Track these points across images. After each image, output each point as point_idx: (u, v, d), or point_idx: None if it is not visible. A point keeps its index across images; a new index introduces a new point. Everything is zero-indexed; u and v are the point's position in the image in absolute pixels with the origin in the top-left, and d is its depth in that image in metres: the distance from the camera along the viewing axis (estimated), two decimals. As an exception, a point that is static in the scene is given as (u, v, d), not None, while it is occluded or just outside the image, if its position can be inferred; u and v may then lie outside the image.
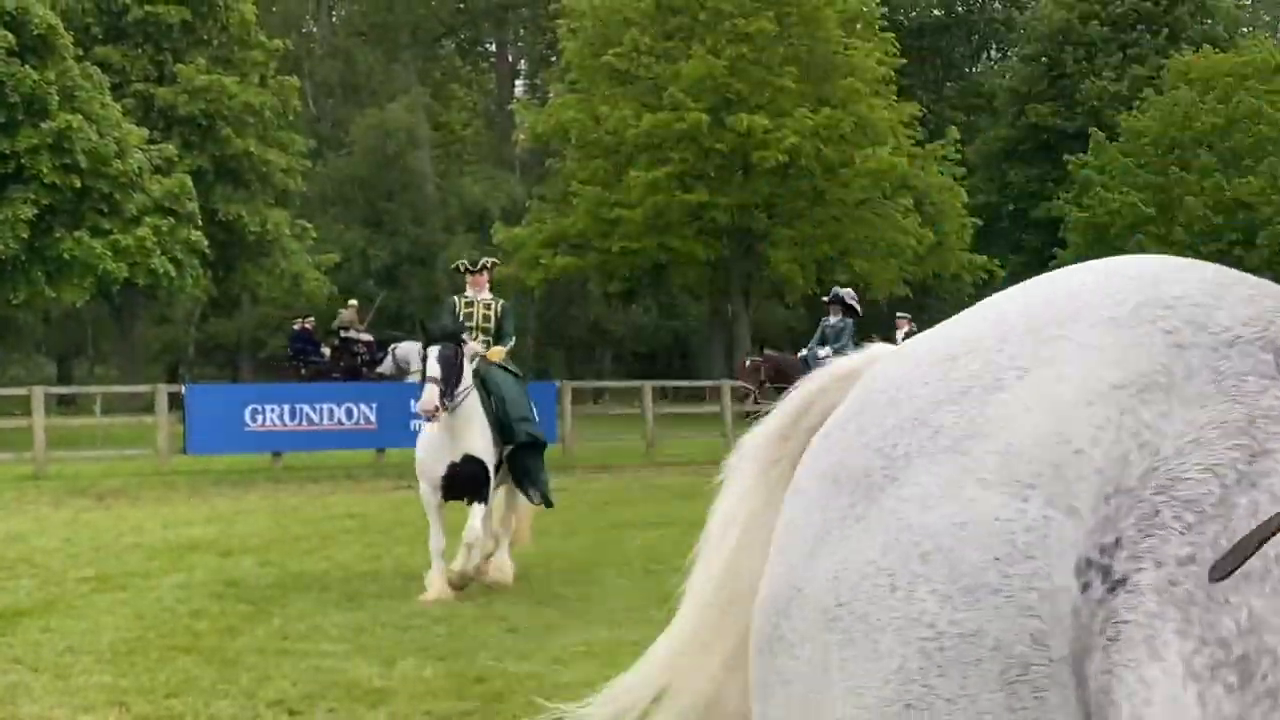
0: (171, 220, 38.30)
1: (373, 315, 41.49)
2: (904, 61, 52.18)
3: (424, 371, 12.30)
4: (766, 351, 30.29)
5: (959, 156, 49.75)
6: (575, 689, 8.16)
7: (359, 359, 38.79)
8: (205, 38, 45.28)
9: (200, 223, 39.97)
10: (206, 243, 39.71)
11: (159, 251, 37.56)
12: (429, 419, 12.24)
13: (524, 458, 13.12)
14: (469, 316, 13.43)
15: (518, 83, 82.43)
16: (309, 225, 48.82)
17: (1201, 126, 56.98)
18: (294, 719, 7.87)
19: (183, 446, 25.84)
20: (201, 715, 7.92)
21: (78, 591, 12.28)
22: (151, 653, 9.62)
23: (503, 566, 12.93)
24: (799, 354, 23.55)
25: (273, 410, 26.00)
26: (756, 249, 47.37)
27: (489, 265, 13.95)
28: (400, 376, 33.82)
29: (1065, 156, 61.99)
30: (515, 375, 13.83)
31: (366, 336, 41.03)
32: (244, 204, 44.21)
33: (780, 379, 23.26)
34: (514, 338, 13.94)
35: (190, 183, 39.47)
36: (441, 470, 12.42)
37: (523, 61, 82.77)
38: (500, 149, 75.06)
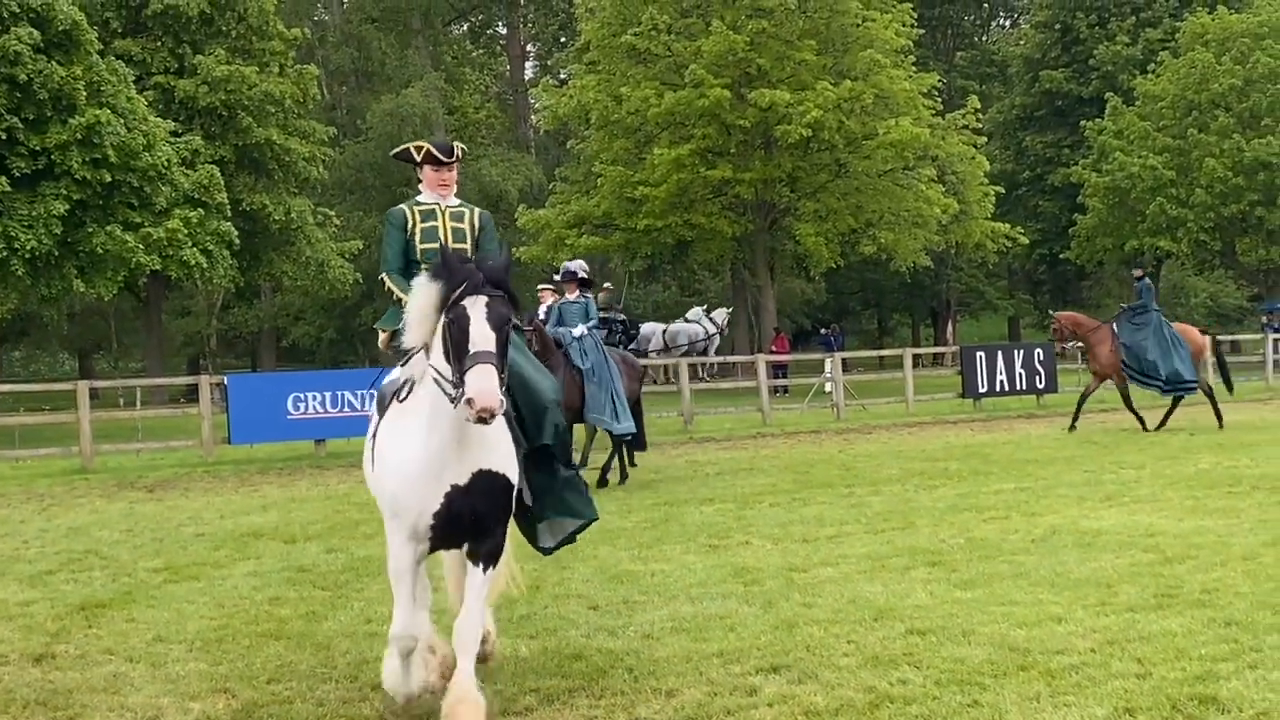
0: (201, 211, 38.37)
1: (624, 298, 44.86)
2: (922, 32, 52.15)
3: (454, 338, 7.07)
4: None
5: (979, 125, 49.66)
6: (673, 664, 8.32)
7: (618, 338, 42.21)
8: (224, 29, 45.24)
9: (229, 213, 40.04)
10: (235, 233, 39.78)
11: (190, 243, 37.64)
12: (479, 421, 6.85)
13: (542, 471, 8.38)
14: (431, 236, 8.64)
15: (529, 65, 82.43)
16: (330, 213, 48.91)
17: (1218, 88, 56.89)
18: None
19: (226, 437, 25.98)
20: (309, 699, 8.03)
21: (152, 582, 12.37)
22: (241, 640, 9.72)
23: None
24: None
25: (314, 398, 26.12)
26: (781, 223, 47.40)
27: (461, 155, 9.06)
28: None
29: (1082, 122, 61.96)
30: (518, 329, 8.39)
31: (622, 316, 44.45)
32: (267, 193, 44.27)
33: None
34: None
35: (219, 174, 39.53)
36: (435, 502, 7.36)
37: (533, 44, 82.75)
38: (515, 131, 75.08)
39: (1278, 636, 8.44)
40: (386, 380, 8.18)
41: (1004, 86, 75.69)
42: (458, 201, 8.95)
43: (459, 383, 6.96)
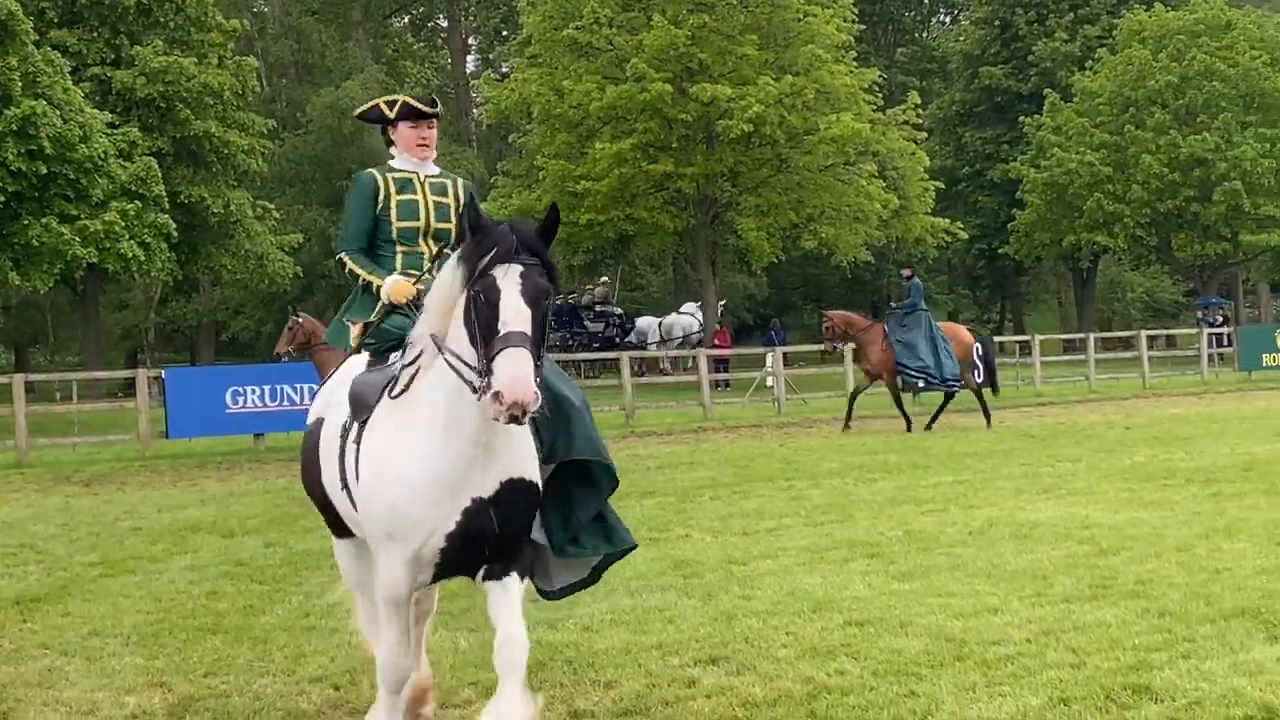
0: (139, 204, 38.05)
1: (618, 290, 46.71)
2: (862, 28, 52.34)
3: (480, 315, 5.77)
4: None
5: (919, 121, 49.92)
6: (612, 655, 8.34)
7: (614, 330, 43.35)
8: (162, 20, 44.94)
9: (166, 206, 39.74)
10: (173, 226, 39.48)
11: (127, 236, 37.33)
12: (511, 420, 5.58)
13: (560, 494, 6.68)
14: (411, 212, 7.28)
15: (470, 58, 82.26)
16: (270, 206, 48.64)
17: (1155, 85, 57.45)
18: (338, 693, 7.93)
19: (164, 431, 25.81)
20: (246, 693, 7.98)
21: (88, 576, 12.28)
22: (178, 634, 9.66)
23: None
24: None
25: (253, 392, 26.01)
26: (723, 218, 47.48)
27: (440, 113, 7.65)
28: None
29: (1021, 118, 62.41)
30: None
31: (618, 310, 45.32)
32: (206, 186, 43.97)
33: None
34: None
35: (156, 166, 39.22)
36: (451, 520, 6.11)
37: (474, 37, 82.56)
38: (457, 125, 74.89)
39: (1210, 627, 8.52)
40: (360, 375, 6.76)
41: (944, 82, 76.15)
42: (437, 170, 7.43)
43: (485, 370, 5.64)
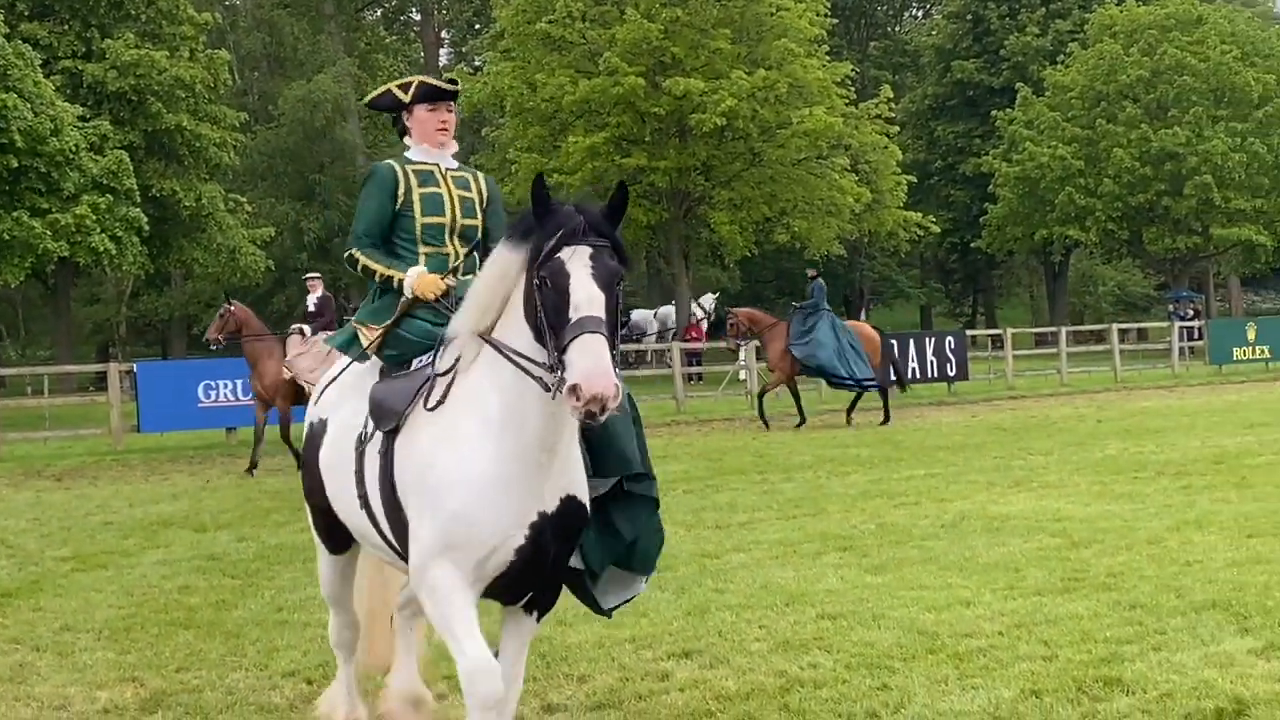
0: (110, 197, 37.87)
1: None
2: (835, 22, 52.38)
3: (548, 302, 5.29)
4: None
5: (892, 115, 50.00)
6: (586, 649, 8.34)
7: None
8: (133, 12, 44.63)
9: (138, 200, 39.54)
10: (145, 220, 39.30)
11: (99, 229, 37.15)
12: (589, 418, 5.05)
13: (608, 508, 6.04)
14: (436, 206, 6.64)
15: (443, 52, 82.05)
16: (242, 199, 48.45)
17: (1126, 79, 57.61)
18: (311, 688, 7.91)
19: (136, 425, 25.73)
20: (218, 688, 7.97)
21: (59, 571, 12.25)
22: (150, 629, 9.64)
23: None
24: None
25: (226, 386, 25.93)
26: (695, 212, 47.47)
27: (459, 91, 7.04)
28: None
29: (993, 112, 62.57)
30: None
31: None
32: (177, 179, 43.74)
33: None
34: None
35: (128, 159, 39.02)
36: (520, 534, 5.55)
37: (447, 31, 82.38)
38: (429, 118, 74.65)
39: (1181, 619, 8.57)
40: (383, 382, 6.19)
41: (916, 76, 76.27)
42: (457, 163, 6.83)
43: (557, 363, 5.12)
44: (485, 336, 5.66)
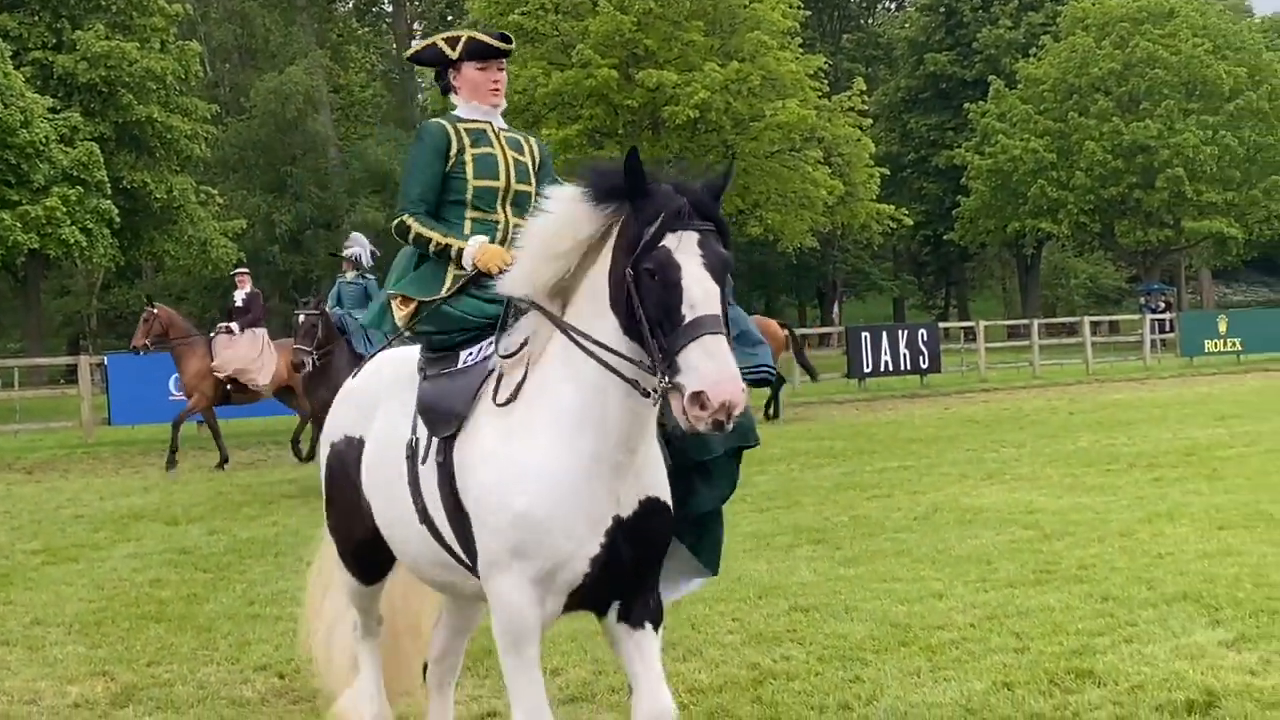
0: (81, 189, 37.71)
1: None
2: (808, 14, 52.40)
3: (654, 297, 4.67)
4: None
5: (865, 108, 50.03)
6: (559, 643, 8.31)
7: None
8: (103, 3, 44.42)
9: (109, 191, 39.37)
10: (116, 211, 39.13)
11: (69, 221, 36.98)
12: (715, 428, 4.50)
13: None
14: (489, 168, 6.02)
15: (414, 43, 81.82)
16: (213, 191, 48.29)
17: (1098, 72, 57.80)
18: (283, 681, 7.89)
19: (107, 418, 25.62)
20: (189, 682, 7.94)
21: (29, 564, 12.20)
22: (121, 622, 9.60)
23: None
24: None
25: (196, 379, 25.80)
26: (669, 204, 47.35)
27: (511, 50, 6.31)
28: None
29: (965, 105, 62.71)
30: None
31: None
32: (148, 171, 43.58)
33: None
34: None
35: (98, 151, 38.85)
36: (595, 542, 4.98)
37: (419, 22, 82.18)
38: (402, 110, 74.58)
39: (1152, 611, 8.60)
40: (432, 381, 5.51)
41: (889, 69, 76.38)
42: (505, 124, 6.23)
43: (668, 367, 4.51)
44: (557, 320, 5.04)
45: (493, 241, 5.79)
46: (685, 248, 4.62)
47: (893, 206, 51.86)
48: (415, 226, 5.84)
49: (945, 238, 64.81)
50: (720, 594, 9.65)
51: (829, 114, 47.38)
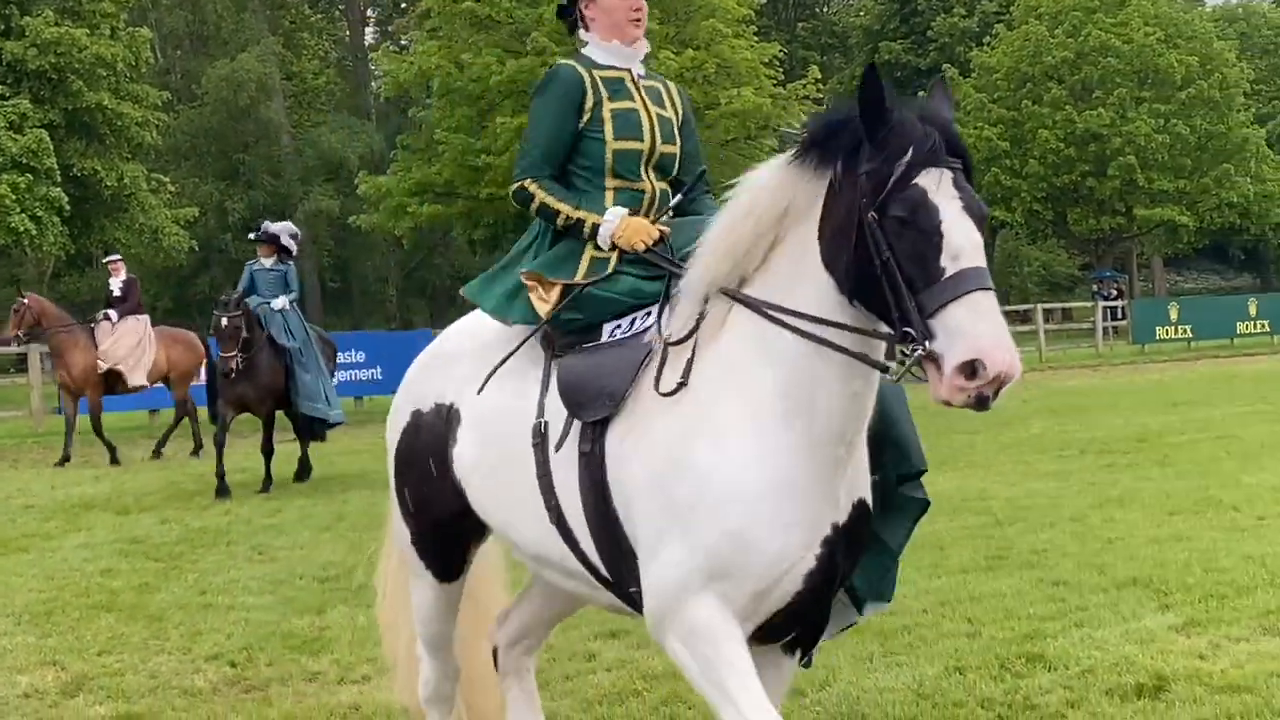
0: (30, 177, 37.40)
1: None
2: (763, 2, 52.44)
3: (904, 248, 3.93)
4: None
5: (820, 96, 50.08)
6: (513, 629, 8.22)
7: None
8: (52, -11, 44.08)
9: (59, 179, 39.07)
10: (66, 199, 38.83)
11: (19, 209, 36.67)
12: (979, 405, 4.00)
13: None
14: (631, 127, 5.04)
15: (369, 30, 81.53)
16: (165, 179, 47.96)
17: (1051, 61, 58.01)
18: (235, 670, 7.86)
19: (57, 406, 25.43)
20: (140, 671, 7.90)
21: (-22, 555, 12.11)
22: (71, 612, 9.55)
23: None
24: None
25: (148, 368, 25.62)
26: (623, 192, 47.34)
27: None
28: None
29: (920, 94, 62.79)
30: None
31: None
32: (99, 158, 43.23)
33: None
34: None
35: (48, 138, 38.54)
36: (811, 554, 4.22)
37: (373, 9, 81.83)
38: (356, 98, 74.27)
39: (1102, 596, 8.65)
40: (577, 355, 4.66)
41: (844, 57, 76.51)
42: (644, 69, 5.21)
43: (923, 331, 3.82)
44: (746, 297, 4.30)
45: (635, 214, 4.92)
46: (945, 190, 3.88)
47: (848, 195, 51.97)
48: (540, 195, 4.96)
49: (900, 226, 65.05)
50: (674, 581, 9.65)
51: (784, 102, 47.40)
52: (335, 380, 28.00)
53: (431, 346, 5.49)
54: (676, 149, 5.08)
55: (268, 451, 16.62)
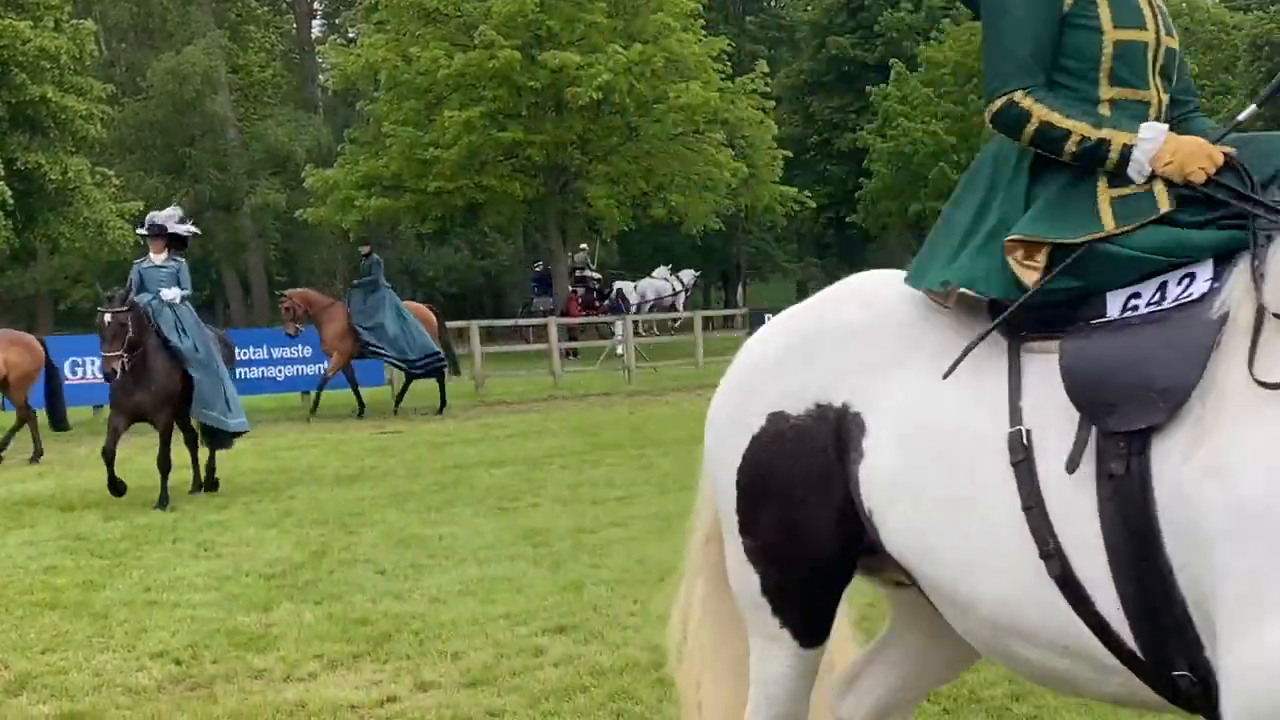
0: (-29, 172, 37.09)
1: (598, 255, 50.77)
2: (711, -5, 52.54)
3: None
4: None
5: (767, 90, 50.21)
6: (460, 626, 8.28)
7: (593, 294, 47.34)
8: (-5, -19, 43.68)
9: (2, 173, 38.71)
10: (9, 193, 38.48)
11: (-40, 204, 36.38)
12: None
13: None
14: (1130, 13, 3.73)
15: (316, 23, 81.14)
16: (110, 173, 47.60)
17: (998, 55, 58.29)
18: (180, 668, 7.81)
19: (0, 402, 25.16)
20: (85, 669, 7.85)
21: (-80, 553, 11.99)
22: (15, 610, 9.48)
23: None
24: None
25: (93, 363, 25.35)
26: (572, 186, 47.37)
27: None
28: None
29: (867, 88, 63.08)
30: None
31: (597, 275, 49.23)
32: (43, 152, 42.87)
33: None
34: None
35: (-11, 132, 38.24)
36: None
37: (320, 2, 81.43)
38: (303, 91, 73.91)
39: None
40: (1081, 343, 3.40)
41: (792, 51, 76.64)
42: None
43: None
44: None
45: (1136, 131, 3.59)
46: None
47: (796, 189, 52.14)
48: (1039, 111, 3.63)
49: (848, 220, 65.19)
50: (623, 576, 9.68)
51: (732, 96, 47.47)
52: (281, 375, 28.19)
53: (790, 324, 4.29)
54: (1178, 43, 3.82)
55: (164, 466, 14.99)
